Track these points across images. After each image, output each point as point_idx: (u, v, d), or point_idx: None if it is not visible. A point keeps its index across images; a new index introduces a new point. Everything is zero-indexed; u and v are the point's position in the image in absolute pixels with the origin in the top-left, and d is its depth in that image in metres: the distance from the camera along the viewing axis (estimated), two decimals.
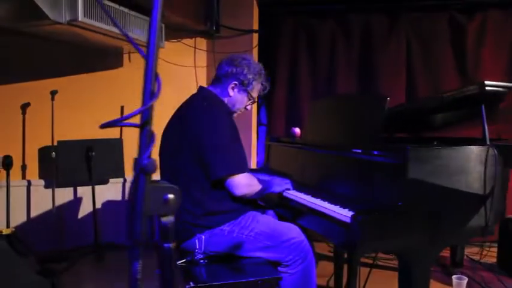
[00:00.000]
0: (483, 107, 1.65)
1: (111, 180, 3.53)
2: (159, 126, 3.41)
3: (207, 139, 1.78)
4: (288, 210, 1.94)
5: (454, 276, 2.58)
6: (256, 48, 3.83)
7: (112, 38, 2.95)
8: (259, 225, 1.84)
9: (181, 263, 1.79)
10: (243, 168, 1.81)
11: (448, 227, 1.47)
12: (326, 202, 1.63)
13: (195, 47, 3.82)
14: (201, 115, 1.83)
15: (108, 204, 3.55)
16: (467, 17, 3.71)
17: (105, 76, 3.54)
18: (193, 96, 2.02)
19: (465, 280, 2.61)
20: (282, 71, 3.93)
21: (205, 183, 1.81)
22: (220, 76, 1.98)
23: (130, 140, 3.42)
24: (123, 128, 3.48)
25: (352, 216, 1.37)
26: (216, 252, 1.83)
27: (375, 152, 1.57)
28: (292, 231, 1.82)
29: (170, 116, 2.02)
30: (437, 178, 1.47)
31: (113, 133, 3.48)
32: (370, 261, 2.89)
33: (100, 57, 3.48)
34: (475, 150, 1.55)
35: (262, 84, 2.06)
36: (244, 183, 1.80)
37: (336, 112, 2.07)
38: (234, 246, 1.82)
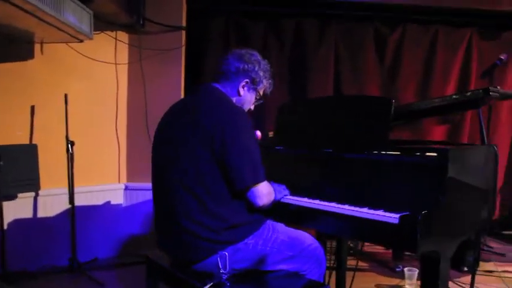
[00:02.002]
0: (480, 110, 1.93)
1: (21, 195, 3.12)
2: (74, 128, 3.07)
3: (232, 145, 1.66)
4: (286, 216, 1.96)
5: (406, 269, 2.93)
6: (185, 46, 3.78)
7: (23, 14, 2.41)
8: (280, 235, 1.80)
9: None
10: (264, 175, 1.75)
11: (469, 220, 1.70)
12: (366, 208, 1.73)
13: (116, 40, 3.62)
14: (222, 117, 1.69)
15: (18, 223, 3.14)
16: (389, 29, 4.13)
17: (12, 69, 3.10)
18: (199, 96, 1.86)
19: (416, 271, 2.96)
20: (211, 72, 3.93)
21: (224, 193, 1.69)
22: (229, 73, 1.87)
23: (45, 145, 3.12)
24: (36, 132, 3.13)
25: (403, 217, 1.55)
26: (240, 270, 1.73)
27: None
28: (307, 237, 1.84)
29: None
30: (465, 176, 1.73)
31: (22, 138, 3.12)
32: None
33: (5, 46, 3.04)
34: (484, 149, 1.81)
35: (270, 82, 2.02)
36: (266, 193, 1.75)
37: (336, 113, 2.14)
38: (259, 260, 1.75)
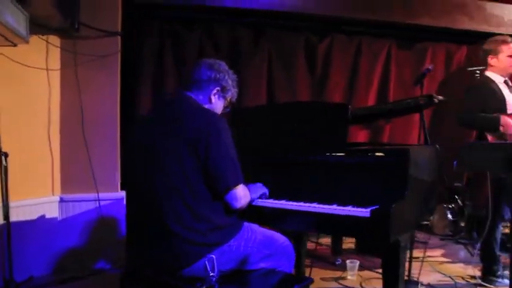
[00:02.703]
0: (423, 113, 2.20)
1: None
2: (7, 139, 2.91)
3: (216, 148, 1.75)
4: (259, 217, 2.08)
5: (348, 261, 3.19)
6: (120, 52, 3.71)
7: None
8: (257, 235, 1.90)
9: None
10: (243, 178, 1.85)
11: (423, 209, 1.94)
12: (334, 205, 1.96)
13: (48, 45, 3.44)
14: (205, 123, 1.78)
15: None
16: (319, 39, 4.45)
17: None
18: (177, 104, 1.93)
19: (357, 263, 3.23)
20: (146, 79, 3.93)
21: (207, 195, 1.77)
22: (201, 82, 1.95)
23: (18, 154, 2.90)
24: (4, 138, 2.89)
25: (374, 211, 1.77)
26: (225, 272, 1.80)
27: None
28: (279, 236, 1.97)
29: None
30: (419, 171, 1.98)
31: None
32: None
33: None
34: (429, 148, 2.06)
35: (236, 90, 2.11)
36: (243, 195, 1.85)
37: (297, 119, 2.30)
38: (242, 260, 1.84)
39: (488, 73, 3.12)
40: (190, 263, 1.76)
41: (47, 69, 3.44)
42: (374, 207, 1.86)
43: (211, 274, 1.72)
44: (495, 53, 3.08)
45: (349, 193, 2.04)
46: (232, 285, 1.77)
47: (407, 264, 3.15)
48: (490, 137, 2.87)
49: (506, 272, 3.12)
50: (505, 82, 3.08)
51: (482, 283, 3.04)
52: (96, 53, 3.55)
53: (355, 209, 1.91)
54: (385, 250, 2.01)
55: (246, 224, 1.95)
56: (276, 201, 2.15)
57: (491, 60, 3.11)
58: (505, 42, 3.06)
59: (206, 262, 1.74)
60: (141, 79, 3.89)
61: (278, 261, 1.96)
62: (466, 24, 4.58)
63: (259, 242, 1.91)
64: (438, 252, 4.01)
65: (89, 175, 3.53)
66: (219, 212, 1.82)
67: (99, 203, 3.54)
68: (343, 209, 1.93)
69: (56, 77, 3.50)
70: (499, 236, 3.11)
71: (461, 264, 3.59)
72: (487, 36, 4.65)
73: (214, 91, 2.00)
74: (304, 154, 2.22)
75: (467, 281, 3.17)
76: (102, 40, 3.59)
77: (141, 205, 1.87)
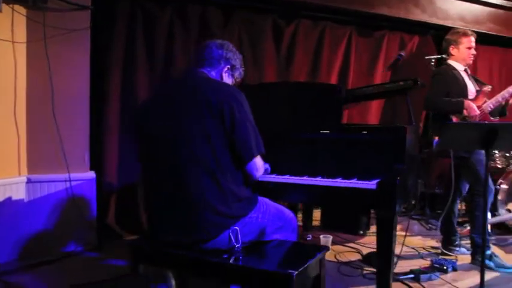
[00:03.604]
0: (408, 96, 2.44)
1: None
2: None
3: (240, 117, 1.82)
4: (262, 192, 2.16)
5: (321, 236, 3.41)
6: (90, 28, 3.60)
7: None
8: (270, 207, 2.01)
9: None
10: (263, 147, 1.93)
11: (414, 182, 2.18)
12: (338, 178, 2.13)
13: (13, 16, 3.26)
14: (227, 95, 1.84)
15: None
16: (286, 23, 4.59)
17: None
18: (193, 78, 1.98)
19: (330, 238, 3.47)
20: (117, 55, 3.84)
21: (231, 167, 1.84)
22: (212, 59, 2.03)
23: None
24: None
25: (380, 183, 1.96)
26: (246, 243, 1.88)
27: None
28: (286, 209, 2.09)
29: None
30: (410, 148, 2.19)
31: None
32: None
33: None
34: (414, 127, 2.31)
35: (242, 69, 2.18)
36: (261, 165, 1.95)
37: (289, 99, 2.42)
38: (260, 232, 1.94)
39: (450, 61, 3.46)
40: (216, 235, 1.84)
41: (13, 42, 3.27)
42: (378, 180, 2.07)
43: (237, 245, 1.83)
44: (456, 43, 3.42)
45: (351, 167, 2.24)
46: (256, 255, 1.86)
47: (363, 239, 3.48)
48: (454, 119, 3.21)
49: (463, 242, 3.54)
50: (465, 70, 3.44)
51: (444, 251, 3.41)
52: (66, 27, 3.43)
53: (360, 181, 2.11)
54: (381, 221, 2.24)
55: (259, 197, 2.06)
56: (280, 176, 2.29)
57: (452, 50, 3.45)
58: (465, 34, 3.40)
59: (230, 233, 1.84)
60: (112, 56, 3.80)
61: (287, 233, 2.10)
62: (418, 15, 4.97)
63: (273, 214, 2.04)
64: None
65: (58, 155, 3.43)
66: (240, 183, 1.91)
67: (70, 184, 3.45)
68: (349, 182, 2.13)
69: (22, 50, 3.33)
70: (456, 210, 3.50)
71: (420, 237, 3.99)
72: (436, 27, 5.15)
73: (225, 69, 2.10)
74: (305, 131, 2.38)
75: (429, 251, 3.54)
76: (72, 14, 3.47)
77: (164, 178, 1.90)
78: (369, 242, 3.77)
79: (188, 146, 1.83)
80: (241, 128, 1.83)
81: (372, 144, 2.22)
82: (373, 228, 4.27)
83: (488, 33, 5.38)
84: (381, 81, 5.08)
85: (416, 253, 3.46)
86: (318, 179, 2.23)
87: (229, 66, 2.10)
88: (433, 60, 4.21)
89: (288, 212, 2.15)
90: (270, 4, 4.41)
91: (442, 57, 3.65)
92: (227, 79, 2.13)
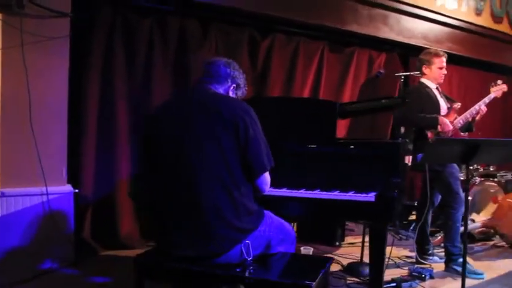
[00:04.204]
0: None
1: None
2: None
3: (254, 132, 1.89)
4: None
5: (302, 248, 3.52)
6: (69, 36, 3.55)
7: None
8: (273, 220, 2.07)
9: None
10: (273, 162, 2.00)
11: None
12: (336, 191, 2.26)
13: None
14: (240, 110, 1.92)
15: None
16: (262, 37, 4.72)
17: None
18: (203, 93, 2.04)
19: (311, 249, 3.59)
20: (96, 65, 3.80)
21: (242, 180, 1.89)
22: (219, 77, 2.09)
23: None
24: None
25: (379, 196, 2.10)
26: (255, 256, 1.92)
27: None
28: (285, 221, 2.16)
29: None
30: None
31: None
32: None
33: None
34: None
35: (245, 89, 2.25)
36: (269, 180, 2.01)
37: (288, 114, 2.52)
38: (267, 245, 1.99)
39: (423, 80, 3.71)
40: (228, 249, 1.89)
41: None
42: (375, 193, 2.22)
43: (249, 259, 1.89)
44: (429, 63, 3.67)
45: (348, 181, 2.37)
46: (269, 268, 1.93)
47: (359, 248, 3.64)
48: (429, 134, 3.44)
49: (436, 251, 3.77)
50: (437, 88, 3.70)
51: (420, 260, 3.62)
52: (45, 34, 3.37)
53: (358, 194, 2.24)
54: (377, 229, 2.38)
55: (264, 210, 2.14)
56: (277, 190, 2.38)
57: (425, 69, 3.70)
58: (437, 55, 3.67)
59: (242, 247, 1.90)
60: (90, 66, 3.75)
61: (288, 245, 2.18)
62: (386, 33, 5.25)
63: (276, 227, 2.11)
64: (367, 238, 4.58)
65: (35, 167, 3.33)
66: (250, 197, 1.98)
67: (47, 197, 3.36)
68: (347, 195, 2.26)
69: None
70: (430, 221, 3.74)
71: (393, 247, 4.19)
72: (402, 45, 5.46)
73: (232, 87, 2.17)
74: (302, 145, 2.50)
75: (404, 260, 3.74)
76: (52, 21, 3.40)
77: (178, 192, 1.93)
78: (345, 253, 3.93)
79: (203, 160, 1.88)
80: (254, 143, 1.91)
81: (368, 159, 2.37)
82: (348, 239, 4.45)
83: (448, 52, 5.78)
84: (349, 96, 5.32)
85: (393, 262, 3.65)
86: (316, 192, 2.35)
87: (235, 85, 2.18)
88: (403, 77, 4.49)
89: (287, 224, 2.24)
90: (247, 18, 4.52)
91: (410, 75, 3.91)
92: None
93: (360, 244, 4.28)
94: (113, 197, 3.91)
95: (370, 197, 2.18)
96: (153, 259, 2.04)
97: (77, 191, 3.60)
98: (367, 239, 4.43)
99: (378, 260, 2.41)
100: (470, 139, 2.80)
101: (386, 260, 3.68)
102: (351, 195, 2.24)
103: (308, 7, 4.71)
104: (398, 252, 4.01)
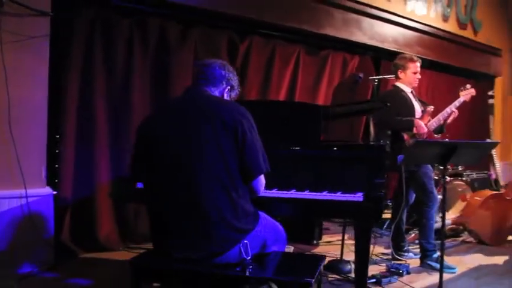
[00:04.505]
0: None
1: None
2: None
3: (251, 135, 1.95)
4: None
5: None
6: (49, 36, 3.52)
7: None
8: (267, 221, 2.13)
9: None
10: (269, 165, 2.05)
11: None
12: (324, 192, 2.35)
13: None
14: (238, 113, 1.97)
15: None
16: (240, 39, 4.79)
17: None
18: (201, 96, 2.07)
19: (291, 248, 3.67)
20: (75, 65, 3.77)
21: (240, 182, 1.95)
22: (215, 79, 2.13)
23: None
24: None
25: (366, 195, 2.21)
26: (252, 256, 1.96)
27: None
28: (276, 221, 2.23)
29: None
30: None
31: None
32: None
33: None
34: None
35: (239, 90, 2.30)
36: (264, 182, 2.07)
37: (275, 118, 2.59)
38: (263, 245, 2.05)
39: (398, 84, 3.88)
40: (228, 249, 1.94)
41: None
42: (362, 193, 2.33)
43: (248, 258, 1.94)
44: (404, 68, 3.85)
45: (336, 182, 2.48)
46: (267, 267, 2.00)
47: (336, 246, 3.77)
48: (406, 136, 3.62)
49: (410, 248, 3.96)
50: (412, 92, 3.88)
51: (396, 256, 3.79)
52: (24, 33, 3.32)
53: (345, 194, 2.35)
54: (359, 228, 2.51)
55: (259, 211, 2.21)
56: (268, 191, 2.45)
57: (400, 74, 3.86)
58: (412, 60, 3.84)
59: (241, 247, 1.96)
60: (70, 66, 3.71)
61: (280, 245, 2.26)
62: (360, 37, 5.44)
63: (270, 227, 2.18)
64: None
65: (13, 169, 3.28)
66: (246, 199, 2.04)
67: (26, 200, 3.32)
68: (336, 195, 2.36)
69: None
70: (404, 219, 3.92)
71: None
72: (374, 49, 5.67)
73: (227, 89, 2.22)
74: (291, 148, 2.59)
75: (380, 257, 3.90)
76: (31, 20, 3.37)
77: (178, 194, 1.96)
78: (323, 251, 4.05)
79: (202, 161, 1.92)
80: (252, 146, 1.97)
81: (354, 160, 2.49)
82: (325, 238, 4.59)
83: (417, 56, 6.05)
84: (324, 98, 5.48)
85: (370, 259, 3.80)
86: (306, 192, 2.45)
87: (229, 87, 2.23)
88: (377, 80, 4.67)
89: (279, 225, 2.32)
90: (226, 21, 4.58)
91: (384, 78, 4.09)
92: (227, 98, 2.26)
93: (336, 242, 4.50)
94: (92, 199, 3.88)
95: (359, 197, 2.30)
96: (152, 261, 2.07)
97: (55, 193, 3.58)
98: (340, 237, 4.67)
99: (363, 258, 2.53)
100: (448, 141, 2.97)
101: None
102: (339, 196, 2.35)
103: (286, 10, 4.84)
104: (374, 249, 4.16)
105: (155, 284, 2.44)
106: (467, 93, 3.91)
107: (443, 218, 2.85)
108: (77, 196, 3.84)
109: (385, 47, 5.69)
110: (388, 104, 2.88)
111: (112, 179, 3.87)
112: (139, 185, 2.76)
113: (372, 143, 3.01)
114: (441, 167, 2.68)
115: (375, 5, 5.53)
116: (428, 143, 2.89)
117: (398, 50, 5.83)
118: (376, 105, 2.93)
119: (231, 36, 4.72)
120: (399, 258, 3.78)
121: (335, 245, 4.38)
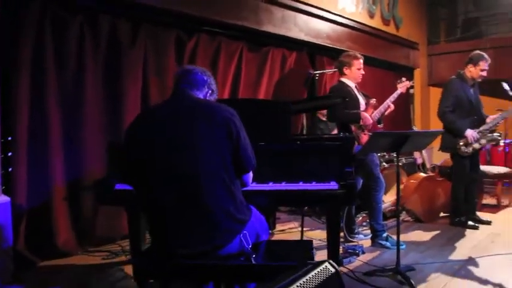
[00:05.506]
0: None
1: None
2: None
3: (242, 133, 2.13)
4: None
5: None
6: None
7: None
8: (255, 212, 2.30)
9: None
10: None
11: None
12: (300, 182, 2.59)
13: None
14: (228, 114, 2.14)
15: None
16: (188, 37, 4.90)
17: None
18: (189, 99, 2.21)
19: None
20: (24, 64, 3.66)
21: (234, 176, 2.12)
22: (198, 84, 2.28)
23: None
24: None
25: (342, 184, 2.47)
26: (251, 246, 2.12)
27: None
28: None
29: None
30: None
31: None
32: None
33: None
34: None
35: (217, 94, 2.46)
36: (252, 175, 2.27)
37: (248, 115, 2.77)
38: (257, 234, 2.21)
39: (343, 79, 4.26)
40: (230, 241, 2.10)
41: None
42: (334, 181, 2.64)
43: (249, 247, 2.12)
44: (349, 65, 4.22)
45: (310, 173, 2.76)
46: (269, 255, 2.21)
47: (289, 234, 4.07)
48: (353, 128, 4.01)
49: (360, 230, 4.38)
50: (356, 87, 4.28)
51: (349, 238, 4.19)
52: None
53: (320, 184, 2.64)
54: (335, 212, 2.83)
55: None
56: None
57: (345, 70, 4.24)
58: (356, 58, 4.23)
59: (241, 238, 2.14)
60: (19, 65, 3.61)
61: (266, 234, 2.51)
62: (296, 33, 5.80)
63: (258, 217, 2.38)
64: (293, 224, 5.08)
65: None
66: (240, 191, 2.22)
67: None
68: (311, 185, 2.65)
69: None
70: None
71: (319, 230, 4.71)
72: (310, 44, 6.06)
73: (208, 93, 2.40)
74: (266, 143, 2.83)
75: None
76: None
77: (178, 192, 2.07)
78: (279, 239, 4.36)
79: (201, 158, 2.07)
80: (244, 144, 2.17)
81: (325, 152, 2.78)
82: (278, 227, 4.90)
83: (347, 50, 6.55)
84: (265, 93, 5.76)
85: (325, 244, 4.16)
86: (283, 184, 2.70)
87: (210, 92, 2.41)
88: (317, 75, 5.05)
89: (262, 215, 2.55)
90: (173, 17, 4.68)
91: (322, 72, 4.43)
92: None
93: (288, 231, 4.84)
94: (48, 204, 3.83)
95: (333, 185, 2.60)
96: (157, 261, 2.13)
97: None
98: (291, 225, 5.02)
99: (335, 239, 2.85)
100: (402, 132, 3.37)
101: (319, 241, 4.23)
102: (315, 185, 2.63)
103: (228, 8, 5.05)
104: (324, 233, 4.54)
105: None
106: (403, 85, 4.37)
107: (397, 197, 3.24)
108: (32, 202, 3.76)
109: (320, 43, 6.12)
110: (347, 99, 3.21)
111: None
112: (118, 187, 2.86)
113: (340, 135, 3.32)
114: (398, 155, 3.06)
115: (309, 2, 5.92)
116: (386, 134, 3.28)
117: (331, 45, 6.31)
118: (334, 100, 3.25)
119: (178, 34, 4.83)
120: (352, 240, 4.19)
121: (287, 233, 4.73)
